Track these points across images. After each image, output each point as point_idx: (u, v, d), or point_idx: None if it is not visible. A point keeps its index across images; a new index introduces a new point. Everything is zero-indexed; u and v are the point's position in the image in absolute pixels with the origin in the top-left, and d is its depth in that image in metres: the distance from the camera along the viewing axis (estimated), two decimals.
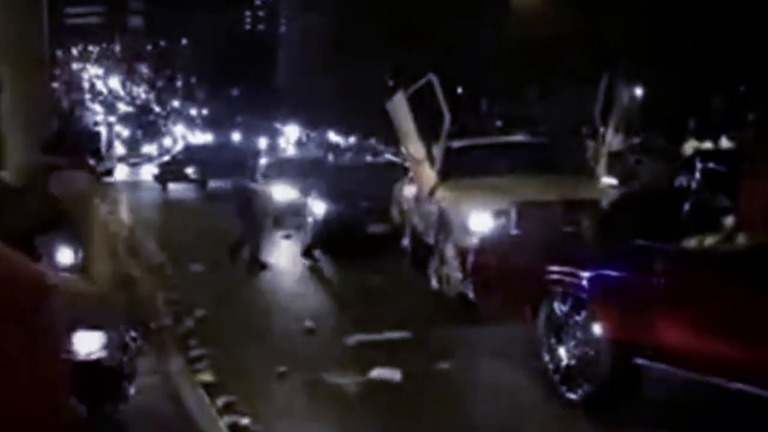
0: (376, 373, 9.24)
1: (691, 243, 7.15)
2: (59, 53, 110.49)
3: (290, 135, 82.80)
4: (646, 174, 16.84)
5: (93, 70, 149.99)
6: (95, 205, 2.91)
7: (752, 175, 7.07)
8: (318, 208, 19.97)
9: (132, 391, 7.16)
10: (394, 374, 9.19)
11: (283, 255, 20.08)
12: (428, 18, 44.38)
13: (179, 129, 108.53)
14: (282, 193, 24.80)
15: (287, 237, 21.62)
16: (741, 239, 6.79)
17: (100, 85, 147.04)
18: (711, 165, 12.74)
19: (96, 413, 6.86)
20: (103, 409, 6.89)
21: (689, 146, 22.51)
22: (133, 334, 7.58)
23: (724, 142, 27.23)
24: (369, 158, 33.96)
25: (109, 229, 3.05)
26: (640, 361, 7.44)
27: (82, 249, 2.90)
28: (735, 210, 7.10)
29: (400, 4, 45.08)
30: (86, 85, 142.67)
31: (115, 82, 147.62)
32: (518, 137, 16.54)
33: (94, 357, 6.70)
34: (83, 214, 2.85)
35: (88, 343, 6.71)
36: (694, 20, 27.49)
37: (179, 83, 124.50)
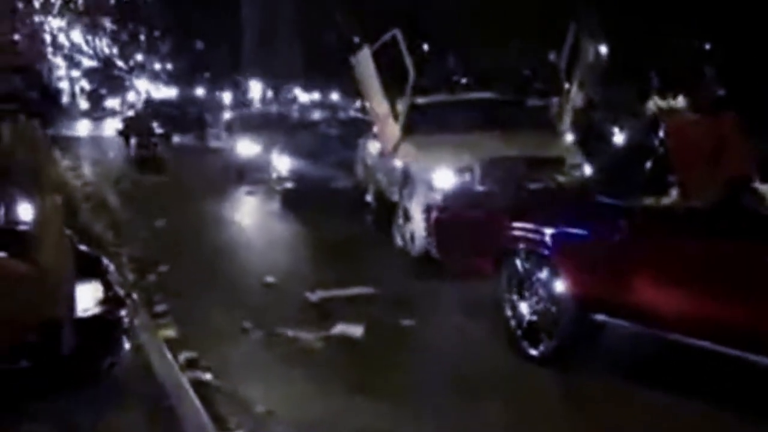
0: (339, 328, 9.26)
1: (651, 201, 7.19)
2: (20, 5, 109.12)
3: (255, 90, 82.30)
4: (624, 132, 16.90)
5: (55, 23, 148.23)
6: (50, 166, 2.86)
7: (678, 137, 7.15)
8: (282, 163, 19.96)
9: (127, 345, 7.08)
10: (356, 330, 9.21)
11: (247, 210, 20.07)
12: None
13: (143, 83, 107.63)
14: (245, 148, 24.75)
15: (250, 193, 21.56)
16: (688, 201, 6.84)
17: (62, 38, 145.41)
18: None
19: (96, 369, 6.80)
20: (102, 364, 6.78)
21: (652, 104, 22.58)
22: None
23: (681, 101, 27.27)
24: (333, 114, 33.82)
25: (60, 197, 2.98)
26: (600, 317, 7.50)
27: (34, 207, 2.86)
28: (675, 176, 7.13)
29: None
30: (48, 38, 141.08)
31: (77, 35, 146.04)
32: (483, 94, 16.51)
33: (90, 313, 6.58)
34: (38, 170, 2.81)
35: (84, 299, 6.57)
36: None
37: (143, 37, 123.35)
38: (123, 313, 6.99)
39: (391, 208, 14.43)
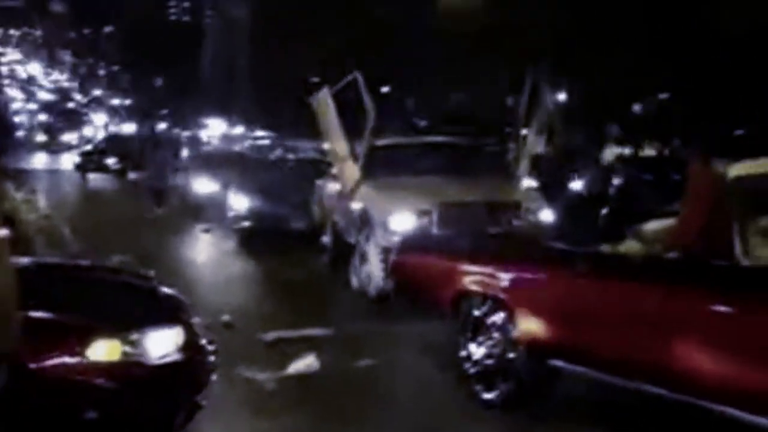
0: (293, 369, 9.24)
1: (606, 248, 7.25)
2: None
3: (213, 128, 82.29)
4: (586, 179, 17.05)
5: (12, 55, 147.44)
6: None
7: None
8: (239, 202, 19.94)
9: (204, 401, 6.79)
10: (311, 371, 9.20)
11: (203, 248, 19.99)
12: (354, 12, 44.26)
13: (101, 118, 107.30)
14: (203, 186, 24.72)
15: (206, 231, 21.50)
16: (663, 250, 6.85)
17: (20, 71, 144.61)
18: (632, 171, 12.95)
19: (172, 414, 6.47)
20: (179, 411, 6.54)
21: (609, 152, 22.82)
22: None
23: (647, 150, 27.51)
24: (292, 153, 33.89)
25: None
26: (556, 362, 7.53)
27: None
28: (670, 227, 7.08)
29: None
30: (5, 70, 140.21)
31: (35, 68, 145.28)
32: (442, 138, 16.59)
33: (169, 360, 6.33)
34: None
35: (163, 345, 6.34)
36: (623, 22, 27.72)
37: (102, 72, 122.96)
38: (204, 359, 6.76)
39: (348, 250, 14.44)
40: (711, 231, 6.36)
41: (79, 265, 8.16)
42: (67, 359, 5.96)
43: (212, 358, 6.90)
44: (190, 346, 6.52)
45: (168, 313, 6.81)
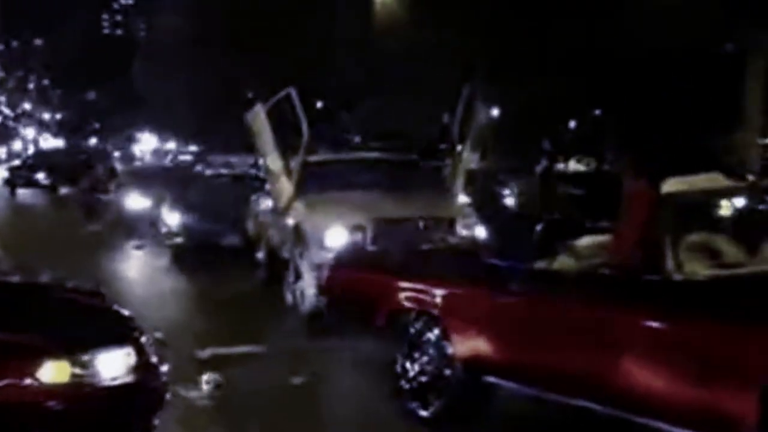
0: (228, 387, 9.15)
1: (541, 264, 7.28)
2: None
3: (146, 143, 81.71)
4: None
5: None
6: None
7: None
8: (172, 218, 19.77)
9: (157, 421, 6.54)
10: (245, 388, 9.15)
11: (135, 265, 19.80)
12: (289, 29, 44.18)
13: (30, 133, 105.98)
14: (135, 201, 24.49)
15: (139, 247, 21.29)
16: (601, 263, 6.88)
17: None
18: (567, 187, 13.01)
19: None
20: None
21: (542, 167, 23.02)
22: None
23: (573, 165, 27.82)
24: (226, 169, 33.72)
25: None
26: (491, 379, 7.54)
27: None
28: (610, 241, 7.09)
29: (260, 13, 44.75)
30: None
31: None
32: (376, 154, 16.56)
33: (119, 381, 6.12)
34: None
35: (111, 366, 6.12)
36: (558, 39, 27.93)
37: (32, 85, 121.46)
38: (157, 380, 6.55)
39: (282, 266, 14.37)
40: (645, 246, 6.41)
41: (27, 283, 7.88)
42: (16, 381, 5.84)
43: (164, 378, 6.71)
44: (142, 366, 6.33)
45: (119, 332, 6.59)
